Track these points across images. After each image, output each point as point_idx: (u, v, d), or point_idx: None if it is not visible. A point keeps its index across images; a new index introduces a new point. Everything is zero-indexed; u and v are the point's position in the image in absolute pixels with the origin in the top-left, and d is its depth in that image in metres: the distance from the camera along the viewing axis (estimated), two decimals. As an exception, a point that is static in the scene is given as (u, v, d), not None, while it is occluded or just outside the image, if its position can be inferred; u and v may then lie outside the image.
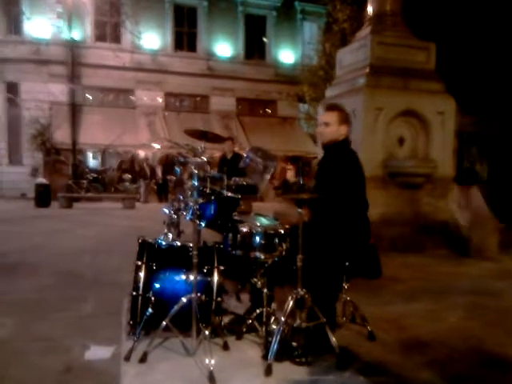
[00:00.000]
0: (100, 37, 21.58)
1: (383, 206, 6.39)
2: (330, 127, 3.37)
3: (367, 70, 7.38)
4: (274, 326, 3.00)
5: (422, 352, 3.11)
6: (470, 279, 5.14)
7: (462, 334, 3.44)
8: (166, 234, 3.68)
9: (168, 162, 19.02)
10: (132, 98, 21.84)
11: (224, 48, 23.26)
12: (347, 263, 3.23)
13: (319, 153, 3.99)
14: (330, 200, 3.18)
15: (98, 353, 3.01)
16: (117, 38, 21.85)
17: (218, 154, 7.23)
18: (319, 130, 3.45)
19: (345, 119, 3.41)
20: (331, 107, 3.53)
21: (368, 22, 8.02)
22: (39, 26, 20.11)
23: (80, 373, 2.76)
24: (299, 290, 2.97)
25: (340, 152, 3.35)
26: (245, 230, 3.21)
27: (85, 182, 17.76)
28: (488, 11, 17.35)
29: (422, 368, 2.86)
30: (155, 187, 19.11)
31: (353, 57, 8.04)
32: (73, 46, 18.80)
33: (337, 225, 3.19)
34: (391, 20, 7.77)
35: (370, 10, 8.04)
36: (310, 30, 24.26)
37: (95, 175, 19.20)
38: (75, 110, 18.51)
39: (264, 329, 3.11)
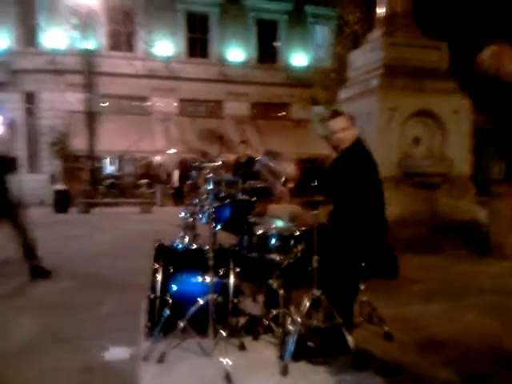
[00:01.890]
0: (114, 46, 21.91)
1: (399, 207, 6.36)
2: (346, 131, 3.41)
3: (380, 71, 7.36)
4: (291, 327, 3.01)
5: (439, 351, 3.10)
6: (489, 278, 5.07)
7: (480, 333, 3.41)
8: (182, 237, 3.73)
9: (185, 167, 19.17)
10: (147, 104, 22.08)
11: (236, 53, 23.41)
12: (364, 264, 3.22)
13: (332, 155, 4.00)
14: (347, 201, 3.21)
15: (117, 353, 3.07)
16: (130, 47, 22.16)
17: (232, 158, 7.28)
18: (339, 136, 3.44)
19: (353, 121, 3.49)
20: (337, 113, 3.63)
21: (379, 24, 8.01)
22: (55, 37, 20.51)
23: (100, 373, 2.82)
24: (315, 290, 2.99)
25: (359, 153, 3.38)
26: (260, 232, 3.24)
27: (102, 187, 17.99)
28: (502, 8, 17.15)
29: (439, 367, 2.85)
30: (171, 191, 19.26)
31: (365, 58, 8.03)
32: (88, 56, 19.10)
33: (353, 225, 3.20)
34: (403, 21, 7.75)
35: (379, 11, 8.03)
36: (322, 32, 24.27)
37: (112, 181, 19.44)
38: (92, 118, 18.78)
39: (280, 329, 3.12)
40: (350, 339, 2.88)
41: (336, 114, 3.60)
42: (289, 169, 3.77)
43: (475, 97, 7.96)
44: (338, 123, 3.46)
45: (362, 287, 3.39)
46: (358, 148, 3.39)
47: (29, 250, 5.29)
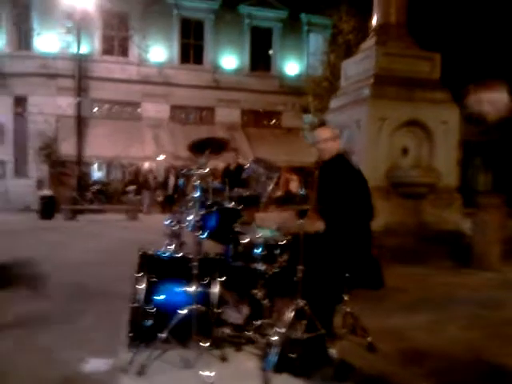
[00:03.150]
0: (107, 50, 21.83)
1: (386, 216, 6.38)
2: (329, 142, 3.45)
3: (372, 81, 7.40)
4: (274, 338, 2.99)
5: (422, 363, 3.09)
6: (472, 290, 5.11)
7: (463, 345, 3.42)
8: (167, 246, 3.70)
9: (178, 174, 19.06)
10: (138, 110, 22.02)
11: (230, 60, 23.44)
12: (348, 274, 3.22)
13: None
14: (332, 212, 3.21)
15: (96, 365, 3.01)
16: (124, 52, 22.09)
17: (222, 165, 7.26)
18: (321, 146, 3.49)
19: (337, 134, 3.57)
20: (322, 124, 3.67)
21: (373, 33, 8.06)
22: (48, 40, 20.40)
23: (79, 385, 2.77)
24: (299, 301, 2.98)
25: (341, 165, 3.40)
26: (245, 241, 3.23)
27: (89, 193, 17.84)
28: (492, 22, 17.40)
29: (422, 379, 2.85)
30: (161, 198, 19.14)
31: (358, 67, 8.08)
32: (80, 60, 19.02)
33: (337, 236, 3.20)
34: (396, 31, 7.82)
35: (375, 21, 8.09)
36: (316, 41, 24.37)
37: (100, 187, 19.29)
38: (82, 123, 18.67)
39: (263, 340, 3.10)
40: (332, 350, 2.86)
41: (321, 125, 3.65)
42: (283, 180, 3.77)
43: (464, 108, 8.04)
44: (321, 133, 3.50)
45: (346, 298, 3.38)
46: (339, 160, 3.42)
47: None
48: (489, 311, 4.28)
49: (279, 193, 4.09)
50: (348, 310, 3.40)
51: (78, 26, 18.52)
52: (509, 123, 16.56)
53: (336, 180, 3.30)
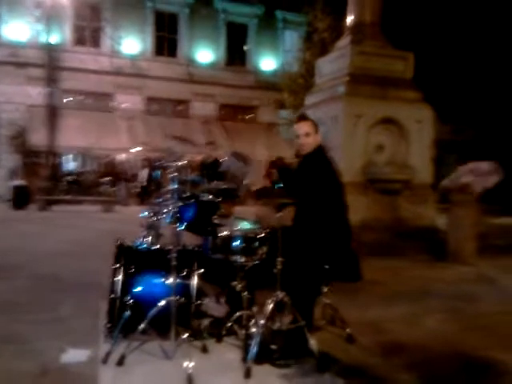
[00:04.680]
0: (79, 41, 21.43)
1: (363, 212, 6.45)
2: (310, 137, 3.43)
3: (347, 79, 7.48)
4: (254, 329, 2.98)
5: (401, 355, 3.13)
6: (448, 283, 5.20)
7: (440, 337, 3.48)
8: (144, 237, 3.66)
9: (154, 165, 18.84)
10: (111, 101, 21.68)
11: (205, 54, 23.31)
12: (327, 267, 3.24)
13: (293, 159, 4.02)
14: (309, 205, 3.22)
15: (74, 356, 2.94)
16: (96, 43, 21.70)
17: (199, 158, 7.22)
18: (301, 141, 3.46)
19: (317, 127, 3.52)
20: (303, 117, 3.65)
21: (348, 32, 8.14)
22: (17, 28, 19.88)
23: (56, 376, 2.70)
24: (279, 292, 2.97)
25: (319, 159, 3.40)
26: (224, 233, 3.21)
27: (63, 184, 17.48)
28: (464, 23, 17.77)
29: (401, 370, 2.88)
30: (137, 190, 18.92)
31: (333, 65, 8.15)
32: (51, 50, 18.58)
33: (315, 229, 3.21)
34: (370, 30, 7.91)
35: (349, 20, 8.16)
36: (291, 38, 24.49)
37: (74, 178, 18.93)
38: (53, 113, 18.27)
39: (243, 332, 3.09)
40: (312, 342, 2.87)
41: (302, 118, 3.62)
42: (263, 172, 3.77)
43: (438, 107, 8.19)
44: (302, 128, 3.48)
45: (326, 290, 3.40)
46: (319, 155, 3.42)
47: None
48: (465, 304, 4.36)
49: (257, 186, 4.09)
50: (327, 301, 3.42)
51: (48, 15, 18.11)
52: (482, 124, 17.00)
53: (317, 173, 3.30)
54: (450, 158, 16.17)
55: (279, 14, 24.41)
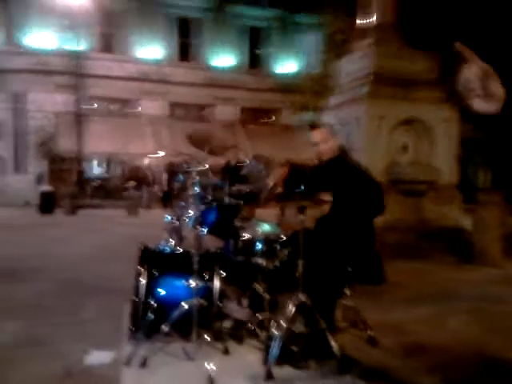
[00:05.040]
0: (104, 48, 21.83)
1: (387, 213, 6.37)
2: (327, 143, 3.44)
3: (369, 79, 7.42)
4: (275, 331, 2.99)
5: (424, 357, 3.10)
6: (473, 285, 5.11)
7: (464, 340, 3.43)
8: (167, 241, 3.71)
9: (173, 170, 19.07)
10: (136, 107, 22.03)
11: (226, 59, 23.55)
12: (350, 269, 3.22)
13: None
14: (334, 207, 3.21)
15: (98, 358, 3.01)
16: (121, 49, 22.08)
17: (222, 162, 7.29)
18: (320, 149, 3.47)
19: (332, 132, 3.52)
20: (316, 125, 3.64)
21: (370, 32, 8.09)
22: (44, 37, 20.36)
23: (80, 378, 2.77)
24: (300, 295, 2.98)
25: (342, 163, 3.40)
26: (246, 236, 3.23)
27: (89, 189, 17.81)
28: (486, 20, 17.41)
29: (423, 373, 2.85)
30: (160, 194, 19.16)
31: (355, 66, 8.10)
32: (77, 57, 18.99)
33: (340, 231, 3.20)
34: (392, 31, 7.85)
35: (359, 21, 8.19)
36: (311, 40, 24.47)
37: (99, 183, 19.27)
38: (79, 120, 18.67)
39: (265, 334, 3.10)
40: (333, 344, 2.87)
41: (316, 125, 3.62)
42: (277, 174, 3.78)
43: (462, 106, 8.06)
44: (317, 136, 3.48)
45: (348, 292, 3.39)
46: (340, 158, 3.42)
47: None
48: (489, 306, 4.28)
49: (280, 189, 4.09)
50: (349, 303, 3.40)
51: (74, 22, 18.50)
52: (501, 117, 16.56)
53: (340, 177, 3.29)
54: (476, 157, 15.86)
55: (298, 16, 24.51)
